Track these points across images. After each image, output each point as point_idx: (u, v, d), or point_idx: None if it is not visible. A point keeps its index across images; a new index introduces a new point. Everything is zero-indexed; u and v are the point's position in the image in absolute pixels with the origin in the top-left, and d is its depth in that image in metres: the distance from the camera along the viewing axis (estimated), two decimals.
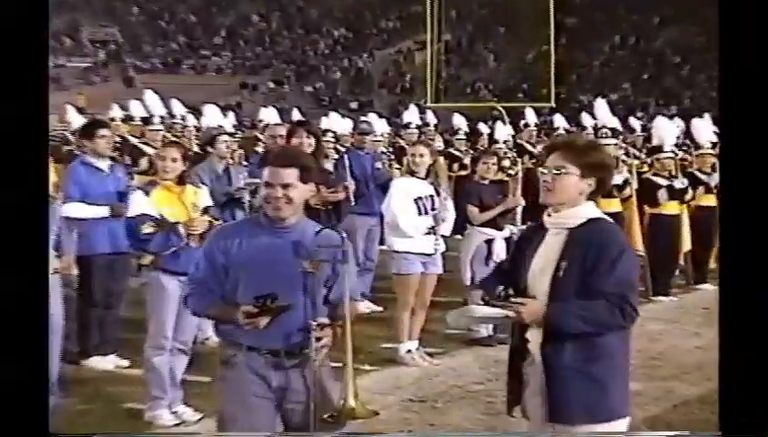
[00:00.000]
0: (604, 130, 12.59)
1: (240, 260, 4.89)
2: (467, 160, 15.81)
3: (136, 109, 17.69)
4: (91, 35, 59.08)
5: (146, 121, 15.59)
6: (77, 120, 16.86)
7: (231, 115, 20.86)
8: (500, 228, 10.21)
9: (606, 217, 4.68)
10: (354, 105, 52.26)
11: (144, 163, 13.06)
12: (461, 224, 10.12)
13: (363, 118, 16.37)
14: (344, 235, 5.09)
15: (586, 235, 4.48)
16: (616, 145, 13.22)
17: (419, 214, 9.09)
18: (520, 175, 11.11)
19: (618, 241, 4.56)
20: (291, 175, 4.88)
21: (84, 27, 58.22)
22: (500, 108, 28.27)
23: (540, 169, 4.65)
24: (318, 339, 4.81)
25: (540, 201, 4.66)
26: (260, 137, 15.37)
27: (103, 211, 8.62)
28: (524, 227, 10.58)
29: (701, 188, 13.16)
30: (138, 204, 7.38)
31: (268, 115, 20.45)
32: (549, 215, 4.62)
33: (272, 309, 4.68)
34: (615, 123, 15.66)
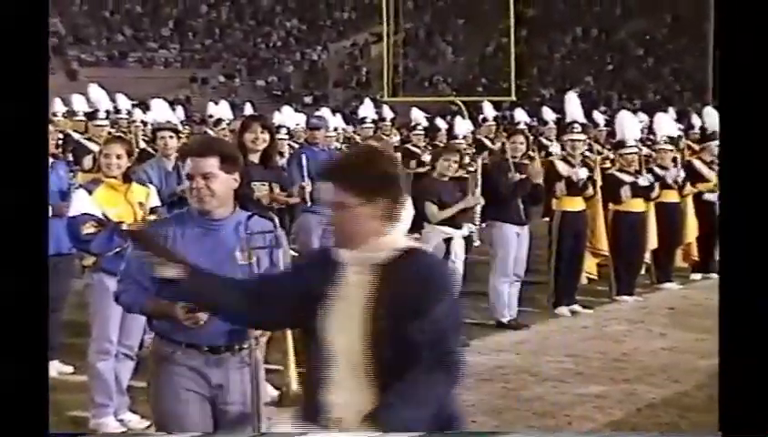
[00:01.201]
0: (575, 125, 12.57)
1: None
2: (425, 156, 15.80)
3: (80, 104, 17.51)
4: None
5: (91, 116, 15.38)
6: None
7: (180, 109, 20.74)
8: (459, 227, 10.26)
9: (421, 246, 3.93)
10: (308, 99, 52.22)
11: (87, 160, 12.93)
12: (419, 222, 10.10)
13: (316, 113, 16.34)
14: (275, 219, 5.24)
15: (401, 271, 3.66)
16: (585, 140, 13.21)
17: None
18: (480, 172, 11.10)
19: (445, 276, 3.84)
20: (212, 164, 4.87)
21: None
22: (459, 102, 28.31)
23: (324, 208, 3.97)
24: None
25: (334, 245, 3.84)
26: (210, 132, 15.30)
27: None
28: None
29: (657, 185, 13.18)
30: (80, 203, 7.32)
31: (219, 110, 20.37)
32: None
33: None
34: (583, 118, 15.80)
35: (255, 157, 8.64)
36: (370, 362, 3.63)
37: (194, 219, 4.94)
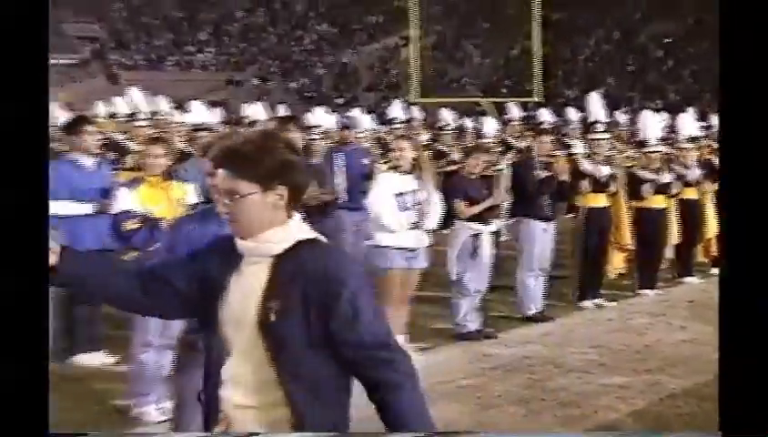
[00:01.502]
0: (598, 125, 12.58)
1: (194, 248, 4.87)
2: (454, 155, 15.79)
3: (121, 106, 17.62)
4: (76, 32, 58.86)
5: (131, 118, 15.51)
6: (62, 117, 16.82)
7: (218, 111, 20.82)
8: (487, 223, 10.25)
9: (320, 237, 3.51)
10: (339, 101, 52.25)
11: (129, 160, 13.02)
12: (448, 219, 10.12)
13: (347, 114, 16.35)
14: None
15: (300, 263, 3.35)
16: (608, 139, 13.21)
17: (402, 209, 9.08)
18: (507, 170, 11.13)
19: (345, 269, 3.40)
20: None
21: (68, 23, 57.98)
22: (487, 103, 28.26)
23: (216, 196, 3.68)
24: None
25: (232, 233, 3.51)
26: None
27: (88, 208, 8.60)
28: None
29: (679, 183, 13.14)
30: (123, 200, 7.36)
31: (254, 110, 20.41)
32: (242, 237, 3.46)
33: None
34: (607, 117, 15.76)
35: None
36: (264, 357, 3.33)
37: (216, 215, 4.90)
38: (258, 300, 3.33)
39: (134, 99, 17.09)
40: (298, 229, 3.44)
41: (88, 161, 8.86)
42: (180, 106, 20.03)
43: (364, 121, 16.11)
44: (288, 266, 3.34)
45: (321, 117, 16.13)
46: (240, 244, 3.43)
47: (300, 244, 3.39)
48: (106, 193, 8.54)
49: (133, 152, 12.42)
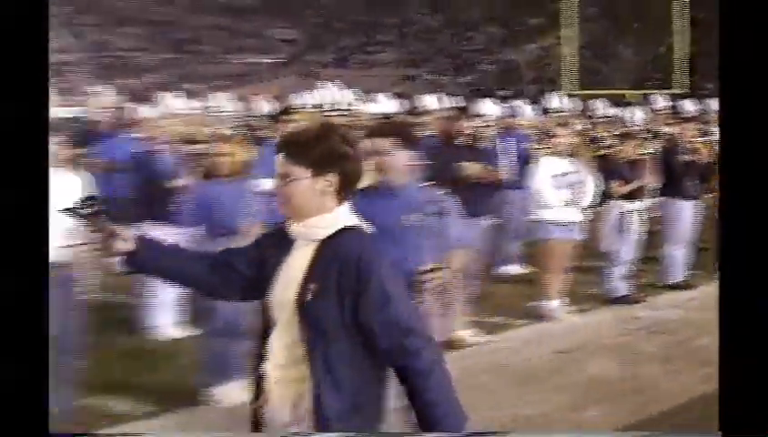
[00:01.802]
0: None
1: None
2: (606, 142, 15.64)
3: (317, 99, 18.00)
4: (277, 36, 60.14)
5: (328, 108, 15.83)
6: (266, 108, 17.31)
7: (401, 102, 21.03)
8: (636, 201, 10.29)
9: (363, 225, 3.35)
10: (504, 93, 52.07)
11: None
12: (601, 197, 10.17)
13: (511, 105, 16.33)
14: (444, 192, 5.21)
15: (339, 249, 3.23)
16: None
17: (559, 188, 9.24)
18: (655, 154, 11.05)
19: (378, 257, 3.25)
20: (387, 143, 4.91)
21: (271, 29, 59.27)
22: (636, 95, 27.80)
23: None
24: (430, 280, 4.82)
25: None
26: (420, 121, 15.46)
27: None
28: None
29: None
30: None
31: (428, 102, 20.56)
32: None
33: None
34: None
35: (462, 141, 8.80)
36: (297, 335, 3.21)
37: (377, 189, 4.90)
38: (299, 281, 3.20)
39: (327, 94, 17.38)
40: (344, 217, 3.28)
41: None
42: (367, 98, 20.31)
43: (526, 111, 16.08)
44: (329, 251, 3.20)
45: (489, 108, 16.13)
46: (291, 228, 3.30)
47: (343, 231, 3.24)
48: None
49: None
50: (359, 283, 3.13)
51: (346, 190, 3.26)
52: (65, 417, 5.82)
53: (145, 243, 3.40)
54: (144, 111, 10.21)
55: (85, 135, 10.00)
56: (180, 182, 7.89)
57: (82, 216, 3.33)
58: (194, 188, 7.30)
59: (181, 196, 7.60)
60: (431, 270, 4.84)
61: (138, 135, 8.78)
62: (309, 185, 3.21)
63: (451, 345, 5.06)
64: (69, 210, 3.32)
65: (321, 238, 3.22)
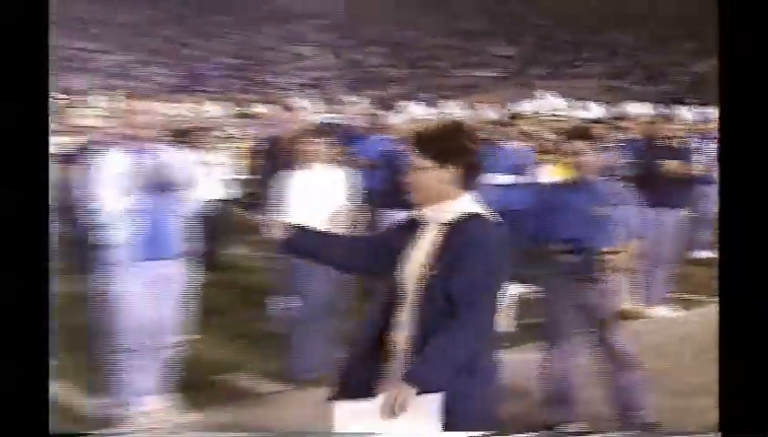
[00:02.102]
0: None
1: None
2: None
3: (535, 106, 18.21)
4: (495, 52, 60.22)
5: (545, 114, 15.98)
6: (491, 115, 17.69)
7: (607, 109, 20.93)
8: None
9: (486, 213, 3.30)
10: (695, 101, 50.10)
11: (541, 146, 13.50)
12: None
13: (703, 110, 16.01)
14: (622, 185, 5.51)
15: (458, 232, 3.23)
16: None
17: None
18: None
19: (489, 243, 3.22)
20: (582, 145, 5.38)
21: (492, 47, 59.49)
22: None
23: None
24: (608, 261, 5.20)
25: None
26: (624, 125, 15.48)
27: (511, 179, 8.99)
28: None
29: None
30: (543, 175, 7.92)
31: (634, 108, 20.38)
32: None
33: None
34: None
35: (662, 143, 8.95)
36: (417, 311, 3.22)
37: (576, 183, 5.36)
38: (424, 259, 3.23)
39: (545, 101, 17.57)
40: (468, 204, 3.27)
41: (516, 145, 9.44)
42: (577, 106, 20.37)
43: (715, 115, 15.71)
44: (450, 233, 3.21)
45: (684, 114, 15.93)
46: (423, 214, 3.33)
47: (468, 216, 3.24)
48: (522, 169, 8.99)
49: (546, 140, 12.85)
50: (464, 261, 3.14)
51: (469, 181, 3.27)
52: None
53: (296, 230, 3.45)
54: (391, 117, 10.77)
55: (345, 137, 10.65)
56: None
57: (246, 207, 3.42)
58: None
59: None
60: (611, 253, 5.19)
61: (388, 136, 9.33)
62: (435, 175, 3.24)
63: (625, 316, 5.38)
64: (237, 203, 3.49)
65: (444, 221, 3.24)
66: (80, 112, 12.00)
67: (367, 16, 46.03)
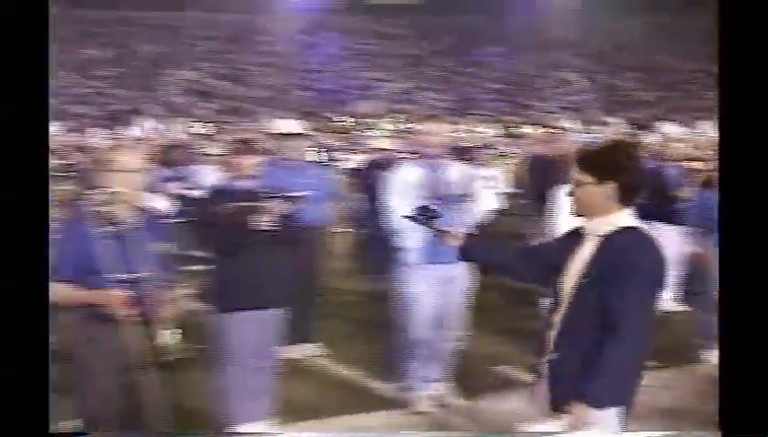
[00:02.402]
0: None
1: None
2: None
3: None
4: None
5: None
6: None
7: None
8: None
9: (643, 227, 3.19)
10: None
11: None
12: None
13: None
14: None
15: (616, 244, 3.13)
16: None
17: None
18: None
19: (646, 257, 3.10)
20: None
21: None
22: None
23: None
24: None
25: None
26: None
27: None
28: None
29: None
30: None
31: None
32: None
33: None
34: None
35: None
36: (569, 314, 3.20)
37: None
38: (580, 268, 3.19)
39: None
40: (625, 219, 3.19)
41: None
42: None
43: None
44: (608, 245, 3.14)
45: None
46: (581, 224, 3.31)
47: (624, 230, 3.16)
48: None
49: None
50: (619, 273, 3.06)
51: (627, 196, 3.18)
52: None
53: (473, 239, 3.54)
54: (646, 136, 10.35)
55: None
56: (683, 191, 7.96)
57: (421, 222, 3.57)
58: (694, 197, 7.37)
59: (684, 203, 7.68)
60: None
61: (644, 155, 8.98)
62: (595, 190, 3.17)
63: None
64: (411, 218, 3.58)
65: (602, 233, 3.18)
66: (369, 132, 12.46)
67: (619, 44, 44.60)
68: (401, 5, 49.54)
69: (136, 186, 3.70)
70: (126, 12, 46.22)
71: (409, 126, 12.89)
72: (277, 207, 4.66)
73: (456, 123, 20.69)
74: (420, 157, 5.40)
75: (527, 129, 18.72)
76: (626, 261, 3.07)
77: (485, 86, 44.51)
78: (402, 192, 5.30)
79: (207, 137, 15.94)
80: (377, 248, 6.77)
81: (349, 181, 8.89)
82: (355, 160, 10.34)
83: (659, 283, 3.14)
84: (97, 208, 3.68)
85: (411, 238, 5.28)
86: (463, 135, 17.38)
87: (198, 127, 17.03)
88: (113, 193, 3.67)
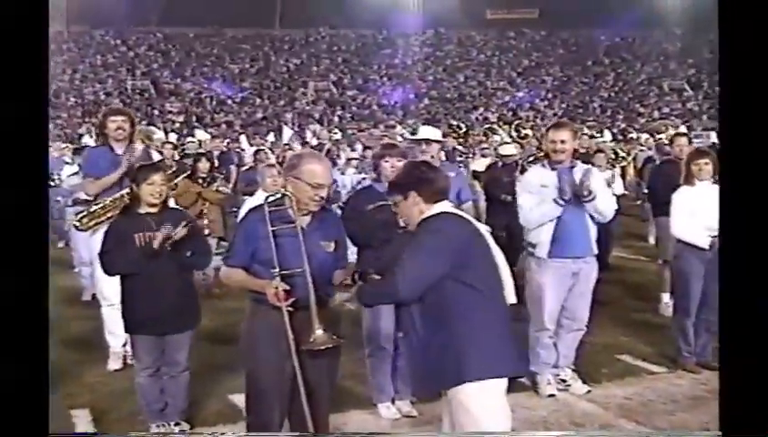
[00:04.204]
0: None
1: None
2: None
3: None
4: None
5: None
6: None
7: None
8: None
9: (440, 212, 3.46)
10: None
11: None
12: None
13: None
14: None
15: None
16: None
17: None
18: None
19: (430, 223, 3.43)
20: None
21: None
22: None
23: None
24: None
25: None
26: None
27: None
28: None
29: None
30: None
31: None
32: None
33: None
34: None
35: None
36: None
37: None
38: None
39: None
40: (434, 210, 3.47)
41: None
42: None
43: None
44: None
45: None
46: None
47: (429, 217, 3.47)
48: None
49: None
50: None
51: (428, 198, 3.48)
52: None
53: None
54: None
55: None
56: None
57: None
58: None
59: None
60: None
61: None
62: (405, 203, 3.54)
63: None
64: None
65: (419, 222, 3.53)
66: (492, 138, 12.55)
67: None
68: (519, 19, 49.20)
69: (310, 195, 3.70)
70: (265, 30, 47.79)
71: (528, 131, 12.83)
72: None
73: (576, 130, 20.30)
74: (548, 160, 5.46)
75: (638, 135, 18.35)
76: (420, 230, 3.44)
77: (598, 94, 43.66)
78: (533, 191, 5.36)
79: (344, 142, 16.38)
80: (505, 245, 6.83)
81: (476, 182, 8.99)
82: (479, 163, 10.43)
83: (449, 246, 3.33)
84: (271, 208, 3.75)
85: (541, 232, 5.34)
86: (579, 140, 17.15)
87: (335, 134, 17.49)
88: (284, 195, 3.74)
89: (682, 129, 15.74)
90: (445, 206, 3.48)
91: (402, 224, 4.59)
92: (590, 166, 5.58)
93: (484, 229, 3.49)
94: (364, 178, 9.44)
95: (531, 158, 8.21)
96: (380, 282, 3.44)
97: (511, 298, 3.40)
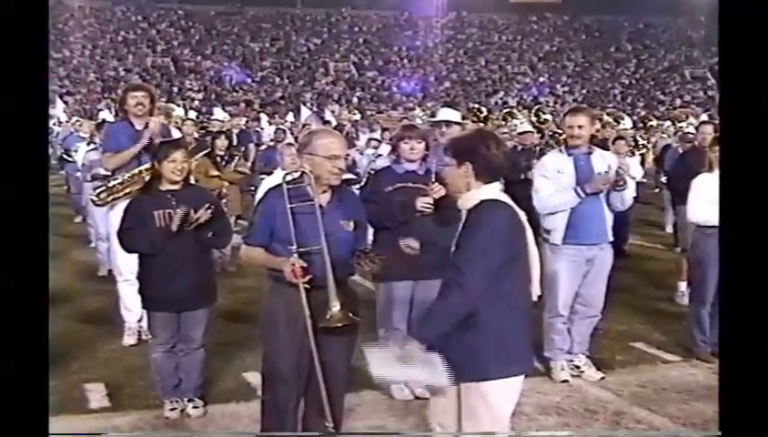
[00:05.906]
0: None
1: None
2: None
3: None
4: None
5: None
6: None
7: None
8: None
9: (498, 199, 3.21)
10: None
11: None
12: None
13: None
14: None
15: (470, 215, 3.22)
16: None
17: None
18: None
19: (481, 218, 3.17)
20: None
21: None
22: None
23: None
24: None
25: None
26: None
27: None
28: None
29: None
30: None
31: None
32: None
33: None
34: None
35: None
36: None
37: None
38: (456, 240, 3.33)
39: None
40: (485, 193, 3.23)
41: None
42: None
43: None
44: (468, 217, 3.23)
45: None
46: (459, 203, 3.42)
47: (481, 202, 3.21)
48: None
49: None
50: (465, 237, 3.22)
51: (483, 175, 3.24)
52: None
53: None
54: None
55: None
56: None
57: None
58: None
59: None
60: None
61: None
62: (455, 171, 3.32)
63: None
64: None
65: (467, 209, 3.26)
66: (511, 122, 12.47)
67: None
68: (541, 3, 48.87)
69: (328, 168, 3.66)
70: (286, 9, 47.68)
71: (548, 117, 12.73)
72: (437, 189, 4.74)
73: (594, 116, 20.17)
74: (565, 145, 5.43)
75: (659, 122, 18.15)
76: (472, 226, 3.19)
77: (619, 81, 43.27)
78: (550, 177, 5.32)
79: (364, 124, 16.30)
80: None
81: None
82: None
83: (500, 244, 3.14)
84: (290, 186, 3.73)
85: (556, 218, 5.31)
86: (598, 126, 17.04)
87: (354, 115, 17.39)
88: (303, 173, 3.68)
89: (705, 117, 15.54)
90: (494, 190, 3.26)
91: (421, 205, 4.55)
92: (609, 152, 5.55)
93: (525, 218, 3.28)
94: (380, 156, 9.41)
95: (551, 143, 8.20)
96: (444, 303, 3.13)
97: (536, 291, 3.30)
